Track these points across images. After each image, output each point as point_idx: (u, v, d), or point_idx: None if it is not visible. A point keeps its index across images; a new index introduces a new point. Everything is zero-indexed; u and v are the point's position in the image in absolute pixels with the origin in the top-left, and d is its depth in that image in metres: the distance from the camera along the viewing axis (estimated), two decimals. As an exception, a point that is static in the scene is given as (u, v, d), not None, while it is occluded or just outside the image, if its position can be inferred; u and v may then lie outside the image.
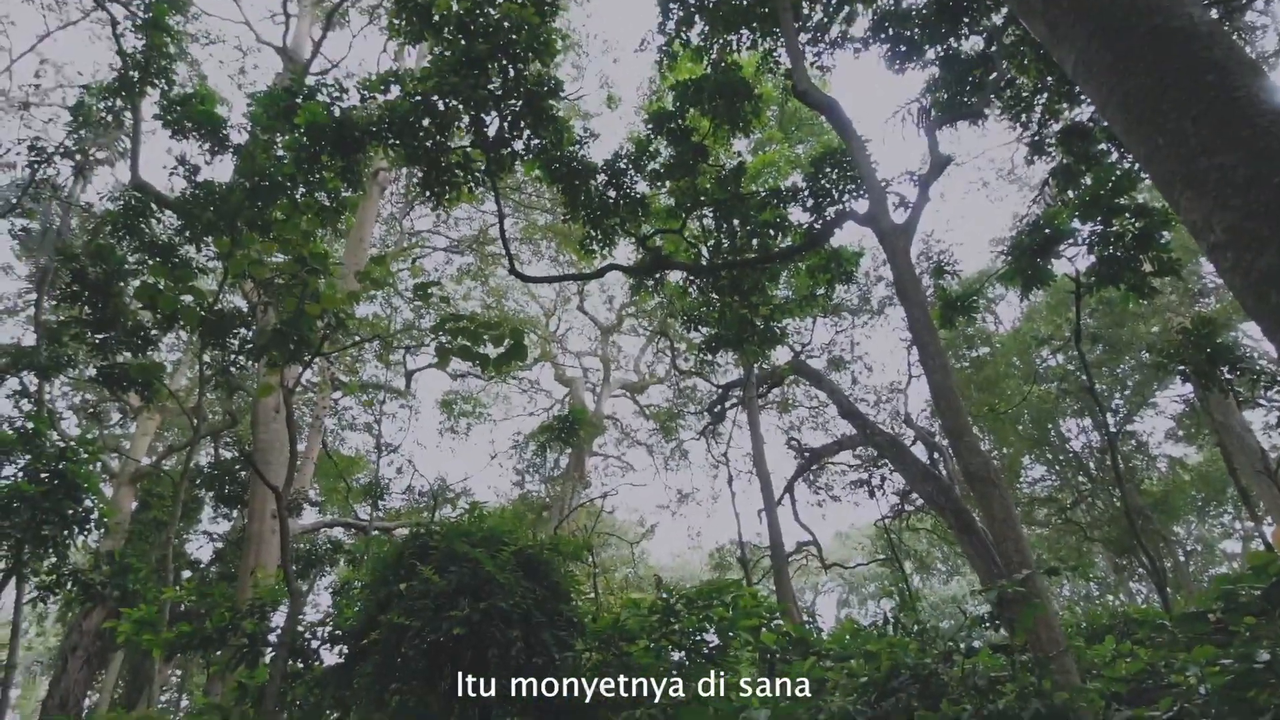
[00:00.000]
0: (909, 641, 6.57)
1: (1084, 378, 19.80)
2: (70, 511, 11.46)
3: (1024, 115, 13.91)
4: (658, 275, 14.76)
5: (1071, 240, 12.99)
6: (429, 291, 12.82)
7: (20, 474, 11.51)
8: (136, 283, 13.86)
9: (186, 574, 21.35)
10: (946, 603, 33.17)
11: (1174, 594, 22.09)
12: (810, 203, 13.53)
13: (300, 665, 7.23)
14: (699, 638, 7.64)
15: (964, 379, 25.16)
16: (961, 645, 6.31)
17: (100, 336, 14.71)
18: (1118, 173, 12.16)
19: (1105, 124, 12.19)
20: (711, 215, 13.97)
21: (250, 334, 13.34)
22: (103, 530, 13.83)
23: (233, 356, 13.82)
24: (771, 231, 13.83)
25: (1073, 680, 6.69)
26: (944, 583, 36.97)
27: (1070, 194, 13.38)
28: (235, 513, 22.00)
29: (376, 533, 19.42)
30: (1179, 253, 12.98)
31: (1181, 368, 13.99)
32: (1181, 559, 30.34)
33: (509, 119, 11.74)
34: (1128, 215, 12.37)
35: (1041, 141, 13.85)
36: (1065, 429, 28.09)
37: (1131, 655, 8.14)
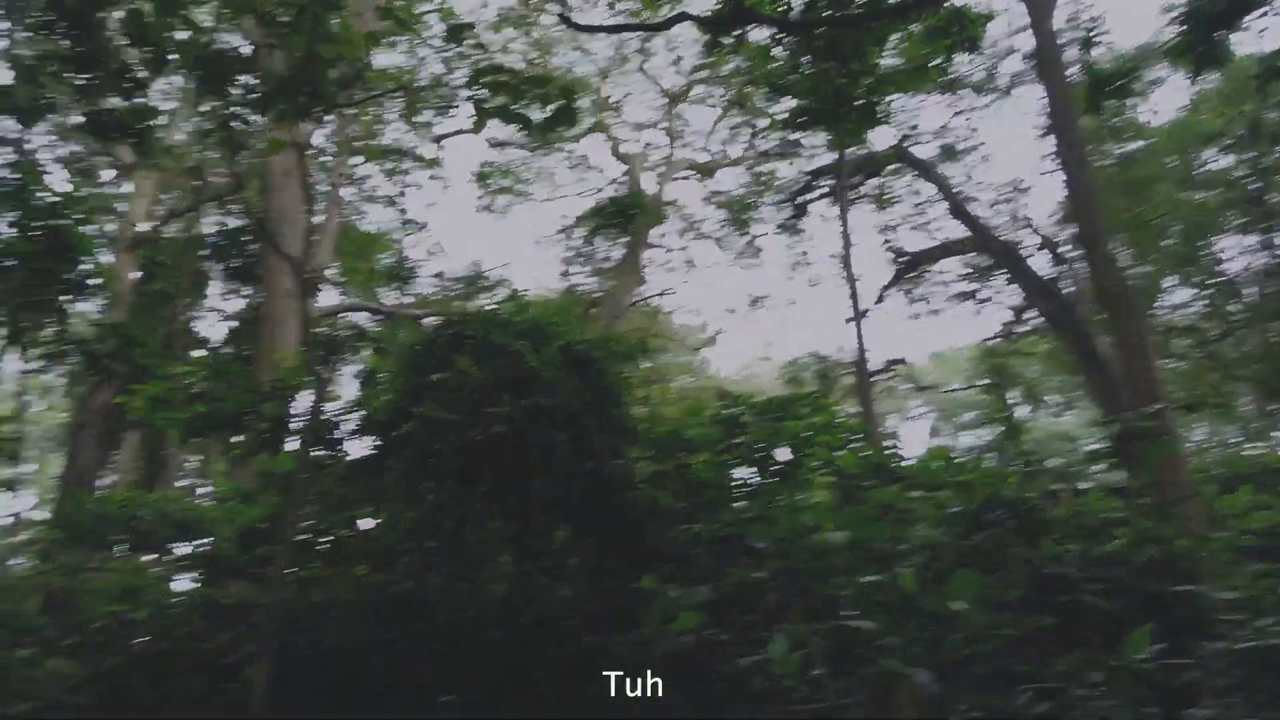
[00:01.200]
0: (1009, 474, 6.65)
1: (1255, 186, 18.86)
2: (67, 275, 11.87)
3: None
4: (738, 31, 14.08)
5: (1264, 9, 11.93)
6: (463, 36, 12.38)
7: (12, 230, 11.82)
8: (121, 13, 13.63)
9: (197, 353, 22.44)
10: (1056, 439, 33.49)
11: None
12: (939, -58, 12.57)
13: (326, 455, 7.63)
14: (768, 454, 7.81)
15: (1105, 179, 24.08)
16: (1072, 482, 6.39)
17: (84, 78, 14.64)
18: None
19: None
20: (813, -45, 13.08)
21: (254, 81, 13.16)
22: (104, 298, 14.39)
23: (234, 109, 13.71)
24: (886, -21, 12.97)
25: (1197, 529, 6.80)
26: (1055, 416, 37.19)
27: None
28: (248, 290, 22.76)
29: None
30: None
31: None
32: (1346, 406, 29.96)
33: None
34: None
35: None
36: (1222, 248, 27.07)
37: (1269, 508, 8.20)
